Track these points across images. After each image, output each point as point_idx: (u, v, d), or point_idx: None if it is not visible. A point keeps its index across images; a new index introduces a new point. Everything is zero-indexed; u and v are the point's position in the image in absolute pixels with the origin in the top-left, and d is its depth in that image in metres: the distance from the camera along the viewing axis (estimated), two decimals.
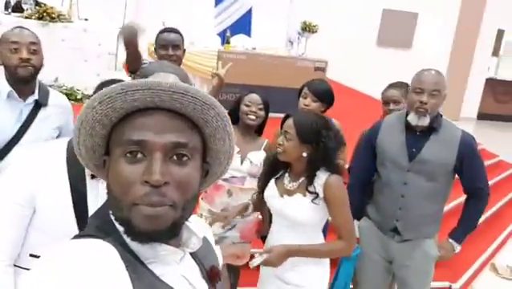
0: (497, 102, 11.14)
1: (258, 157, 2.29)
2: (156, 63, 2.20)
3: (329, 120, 2.42)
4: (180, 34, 2.54)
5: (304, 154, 1.81)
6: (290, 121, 1.84)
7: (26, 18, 4.84)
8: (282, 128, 1.88)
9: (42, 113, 1.92)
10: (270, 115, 2.39)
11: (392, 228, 2.19)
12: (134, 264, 0.69)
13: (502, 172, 5.63)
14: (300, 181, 1.85)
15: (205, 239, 0.83)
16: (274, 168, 1.96)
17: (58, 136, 1.99)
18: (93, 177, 1.32)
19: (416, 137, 2.12)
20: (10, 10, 5.14)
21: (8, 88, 1.83)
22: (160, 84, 0.69)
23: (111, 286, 0.62)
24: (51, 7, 4.99)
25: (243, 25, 7.72)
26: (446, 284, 3.31)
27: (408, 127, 2.13)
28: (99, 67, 5.02)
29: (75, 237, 0.72)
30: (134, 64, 2.36)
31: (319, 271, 1.88)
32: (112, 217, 0.72)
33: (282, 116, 2.59)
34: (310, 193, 1.80)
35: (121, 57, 6.08)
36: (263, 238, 2.22)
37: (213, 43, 5.89)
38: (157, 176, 0.66)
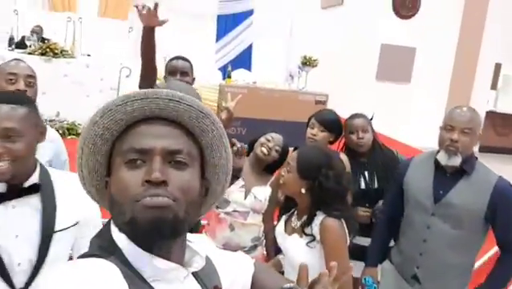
0: (498, 135, 11.15)
1: (263, 193, 2.23)
2: (167, 82, 2.21)
3: (337, 154, 2.37)
4: (189, 62, 2.56)
5: (303, 190, 1.71)
6: (294, 153, 1.79)
7: (30, 53, 4.91)
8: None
9: None
10: None
11: (412, 275, 2.02)
12: (137, 283, 0.69)
13: None
14: (302, 220, 1.74)
15: (207, 258, 0.82)
16: (286, 203, 1.91)
17: None
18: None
19: (446, 179, 1.95)
20: (13, 47, 5.22)
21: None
22: (157, 93, 0.73)
23: None
24: (54, 43, 5.08)
25: (244, 60, 7.85)
26: None
27: (438, 167, 1.97)
28: (101, 102, 5.01)
29: (78, 257, 0.72)
30: (147, 79, 2.34)
31: None
32: (114, 234, 0.72)
33: None
34: (306, 235, 1.68)
35: (123, 92, 6.14)
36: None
37: (214, 78, 5.96)
38: (157, 173, 0.68)
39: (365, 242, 2.33)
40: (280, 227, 1.86)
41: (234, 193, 2.18)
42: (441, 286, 1.99)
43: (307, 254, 1.65)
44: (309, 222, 1.69)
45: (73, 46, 6.01)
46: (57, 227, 1.30)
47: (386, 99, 8.24)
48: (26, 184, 1.30)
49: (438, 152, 1.98)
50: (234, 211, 2.19)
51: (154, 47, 2.22)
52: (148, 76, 2.34)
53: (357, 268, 2.17)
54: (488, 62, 9.85)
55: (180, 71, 2.47)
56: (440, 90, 8.94)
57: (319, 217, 1.68)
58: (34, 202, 1.30)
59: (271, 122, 4.47)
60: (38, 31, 5.61)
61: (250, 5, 8.04)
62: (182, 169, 0.72)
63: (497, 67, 10.49)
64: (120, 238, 0.71)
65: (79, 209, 1.34)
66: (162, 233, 0.69)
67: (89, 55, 5.77)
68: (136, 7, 2.07)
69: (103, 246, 0.72)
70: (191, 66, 2.55)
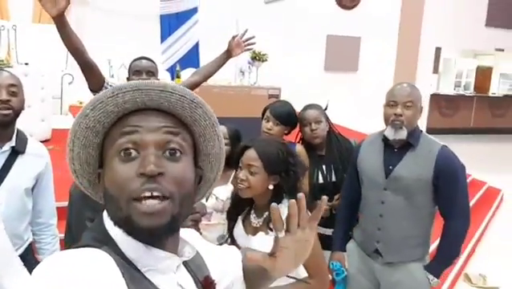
0: (443, 116, 11.64)
1: (224, 192, 2.16)
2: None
3: (292, 145, 2.36)
4: (154, 63, 2.44)
5: (271, 186, 1.64)
6: (252, 153, 1.64)
7: None
8: (239, 161, 1.68)
9: (19, 161, 1.78)
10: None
11: (374, 250, 2.09)
12: (130, 271, 0.69)
13: None
14: (264, 216, 1.66)
15: (196, 251, 0.83)
16: (238, 206, 1.78)
17: (34, 187, 1.86)
18: None
19: (394, 154, 2.03)
20: None
21: None
22: (149, 84, 0.71)
23: None
24: None
25: (191, 58, 7.69)
26: None
27: (387, 144, 2.05)
28: (44, 112, 4.76)
29: (71, 248, 0.70)
30: (89, 76, 2.21)
31: None
32: (107, 225, 0.72)
33: None
34: (272, 230, 1.60)
35: (67, 100, 5.85)
36: None
37: (162, 79, 5.79)
38: (152, 166, 0.67)
39: (328, 232, 2.33)
40: (239, 229, 1.75)
41: None
42: (401, 257, 2.05)
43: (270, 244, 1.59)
44: None
45: (8, 56, 5.66)
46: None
47: (335, 89, 8.38)
48: None
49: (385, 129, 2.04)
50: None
51: (74, 39, 2.04)
52: (88, 73, 2.20)
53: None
54: (429, 47, 10.23)
55: (146, 70, 2.36)
56: (386, 77, 9.17)
57: (284, 210, 1.62)
58: None
59: (226, 119, 4.38)
60: None
61: (194, 3, 7.89)
62: (176, 160, 0.71)
63: (438, 51, 10.91)
64: (114, 230, 0.71)
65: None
66: (159, 235, 0.70)
67: (27, 64, 5.43)
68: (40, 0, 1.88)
69: (95, 237, 0.72)
70: (156, 66, 2.44)
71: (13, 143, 1.78)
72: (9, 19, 6.32)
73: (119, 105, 0.71)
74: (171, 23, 7.84)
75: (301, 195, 0.77)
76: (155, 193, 0.67)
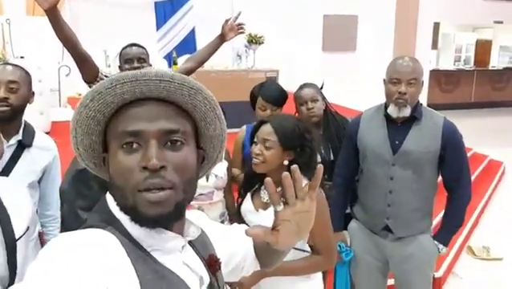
0: (443, 91, 11.58)
1: (221, 169, 2.20)
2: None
3: None
4: (145, 48, 2.41)
5: (286, 162, 1.64)
6: (267, 128, 1.66)
7: None
8: (253, 136, 1.70)
9: (25, 154, 1.80)
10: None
11: (384, 227, 2.08)
12: (136, 251, 0.70)
13: None
14: (277, 191, 1.70)
15: (202, 230, 0.84)
16: (250, 182, 1.79)
17: (40, 180, 1.88)
18: None
19: (398, 129, 2.02)
20: None
21: None
22: (146, 74, 0.71)
23: (113, 272, 0.63)
24: None
25: (188, 45, 7.61)
26: None
27: (389, 119, 2.03)
28: (42, 105, 4.76)
29: (75, 229, 0.71)
30: (83, 68, 2.20)
31: (312, 286, 1.73)
32: (111, 207, 0.74)
33: (237, 130, 2.52)
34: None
35: (65, 92, 5.84)
36: None
37: (159, 67, 5.77)
38: (154, 160, 0.67)
39: None
40: (248, 205, 1.77)
41: None
42: (411, 230, 2.06)
43: None
44: None
45: (4, 50, 5.64)
46: (16, 235, 1.28)
47: (334, 69, 8.33)
48: None
49: (386, 105, 2.02)
50: (200, 195, 2.14)
51: (67, 31, 2.03)
52: (82, 65, 2.19)
53: None
54: (427, 22, 10.12)
55: (137, 57, 2.34)
56: (385, 55, 9.10)
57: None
58: None
59: (224, 104, 4.36)
60: None
61: None
62: (178, 149, 0.72)
63: (436, 26, 10.81)
64: (118, 211, 0.72)
65: (26, 214, 1.33)
66: (165, 221, 0.71)
67: (22, 57, 5.41)
68: None
69: (100, 218, 0.73)
70: (147, 52, 2.41)
71: (19, 136, 1.79)
72: (2, 13, 6.28)
73: (118, 96, 0.71)
74: (166, 10, 7.75)
75: (294, 167, 0.76)
76: (158, 187, 0.68)
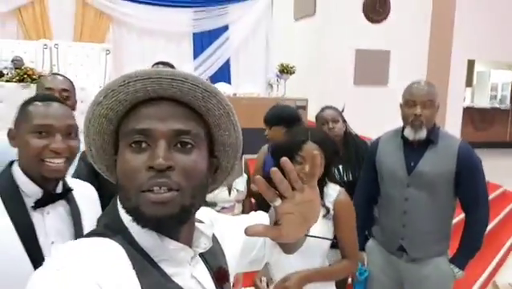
0: (477, 130, 11.37)
1: (242, 183, 2.34)
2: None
3: None
4: (173, 67, 2.47)
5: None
6: (311, 146, 1.65)
7: (7, 81, 4.88)
8: (279, 156, 1.77)
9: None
10: (251, 156, 2.43)
11: (398, 247, 2.11)
12: (142, 263, 0.68)
13: (492, 192, 5.67)
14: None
15: (213, 238, 0.82)
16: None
17: None
18: (35, 208, 1.21)
19: (414, 151, 2.06)
20: None
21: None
22: (160, 73, 0.70)
23: (116, 285, 0.61)
24: (31, 69, 5.04)
25: (223, 74, 7.90)
26: None
27: (406, 141, 2.07)
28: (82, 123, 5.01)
29: (84, 236, 0.71)
30: None
31: None
32: (121, 212, 0.72)
33: None
34: (322, 206, 1.67)
35: None
36: None
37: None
38: (160, 160, 0.66)
39: None
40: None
41: (220, 193, 2.25)
42: (426, 252, 2.08)
43: (322, 226, 1.69)
44: (321, 196, 1.69)
45: (51, 72, 5.99)
46: (85, 232, 1.28)
47: (365, 103, 8.37)
48: (58, 189, 1.28)
49: (403, 128, 2.07)
50: (223, 208, 2.25)
51: None
52: None
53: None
54: (461, 59, 10.09)
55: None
56: None
57: (330, 192, 1.73)
58: (61, 208, 1.27)
59: (254, 130, 4.51)
60: (18, 60, 5.58)
61: (225, 21, 8.13)
62: (188, 152, 0.70)
63: (471, 63, 10.75)
64: (127, 218, 0.71)
65: (94, 213, 1.31)
66: (169, 225, 0.69)
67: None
68: None
69: (109, 225, 0.72)
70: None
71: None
72: (52, 38, 6.70)
73: (131, 93, 0.70)
74: (203, 41, 8.09)
75: (284, 159, 0.70)
76: (163, 188, 0.67)
